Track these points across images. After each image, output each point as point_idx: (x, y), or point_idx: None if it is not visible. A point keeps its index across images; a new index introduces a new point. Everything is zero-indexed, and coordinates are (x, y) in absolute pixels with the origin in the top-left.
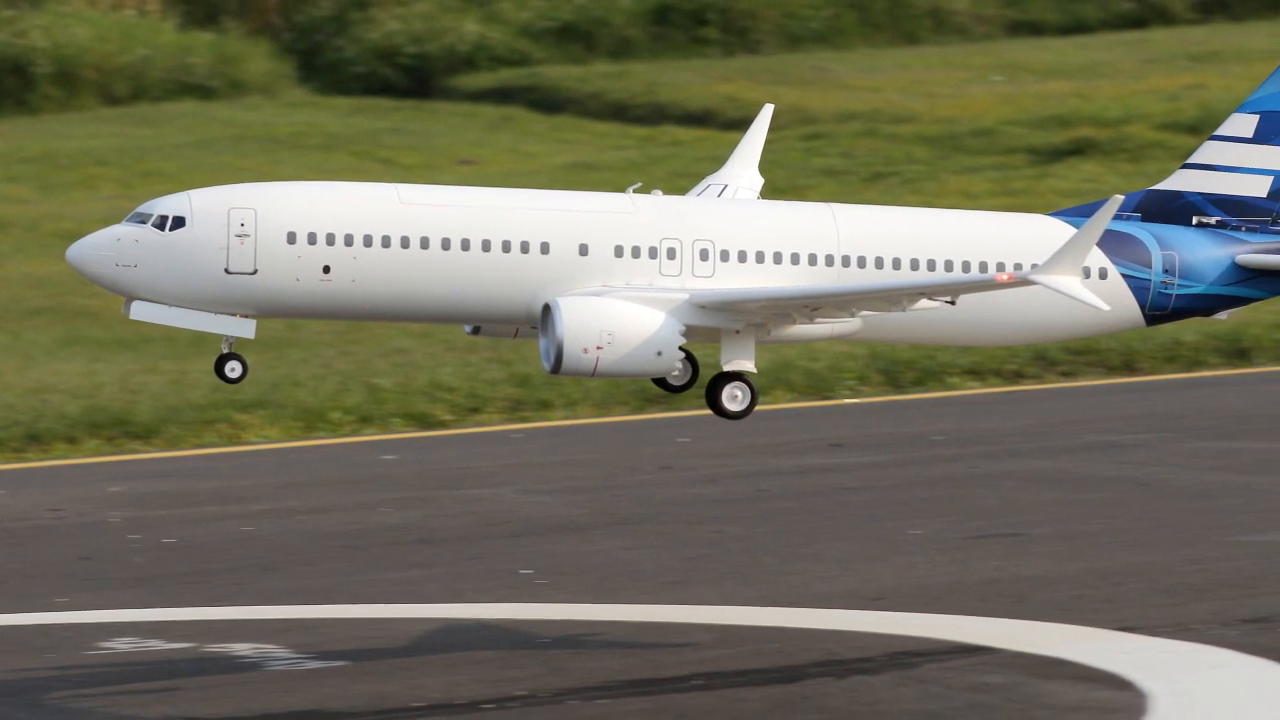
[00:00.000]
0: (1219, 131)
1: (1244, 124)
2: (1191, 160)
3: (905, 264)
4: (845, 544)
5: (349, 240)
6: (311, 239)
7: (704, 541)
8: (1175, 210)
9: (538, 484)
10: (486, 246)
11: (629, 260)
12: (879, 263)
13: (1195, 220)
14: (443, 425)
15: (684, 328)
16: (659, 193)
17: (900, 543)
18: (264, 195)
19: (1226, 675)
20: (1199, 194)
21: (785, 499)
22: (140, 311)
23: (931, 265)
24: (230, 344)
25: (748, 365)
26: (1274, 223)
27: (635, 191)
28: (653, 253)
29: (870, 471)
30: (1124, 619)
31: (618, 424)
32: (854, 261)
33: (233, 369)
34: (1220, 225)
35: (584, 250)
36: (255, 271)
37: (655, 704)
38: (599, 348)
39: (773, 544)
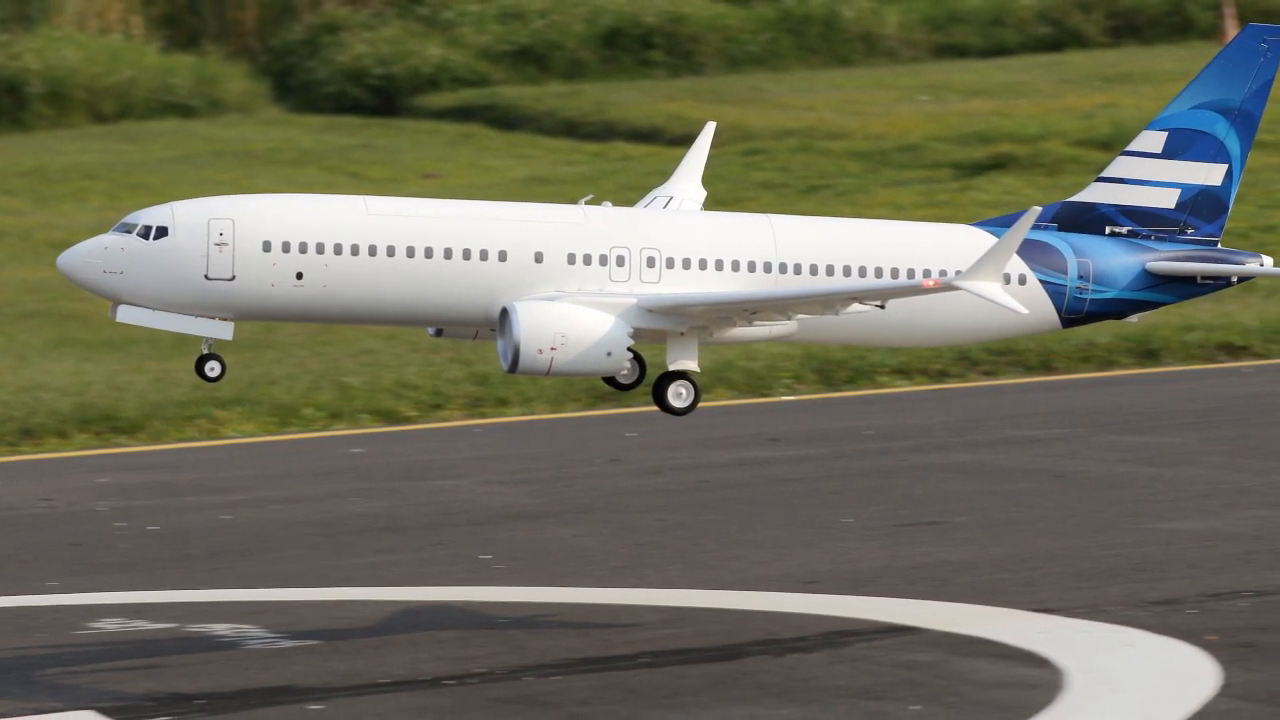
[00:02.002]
0: (1130, 147)
1: (1153, 140)
2: (1104, 174)
3: (838, 270)
4: (782, 531)
5: (320, 249)
6: (285, 247)
7: (650, 529)
8: (1089, 220)
9: (496, 475)
10: (449, 255)
11: (581, 267)
12: (814, 269)
13: (1108, 230)
14: (408, 421)
15: (632, 330)
16: (609, 204)
17: (833, 530)
18: (241, 207)
19: (1136, 653)
20: (1111, 205)
21: (726, 489)
22: (126, 315)
23: (863, 272)
24: (210, 345)
25: (691, 365)
26: (1181, 232)
27: (587, 203)
28: (603, 260)
29: (805, 464)
30: (1041, 601)
31: (570, 420)
32: (790, 268)
33: (212, 368)
34: (1131, 234)
35: (539, 258)
36: (233, 278)
37: (604, 680)
38: (553, 349)
39: (714, 531)
